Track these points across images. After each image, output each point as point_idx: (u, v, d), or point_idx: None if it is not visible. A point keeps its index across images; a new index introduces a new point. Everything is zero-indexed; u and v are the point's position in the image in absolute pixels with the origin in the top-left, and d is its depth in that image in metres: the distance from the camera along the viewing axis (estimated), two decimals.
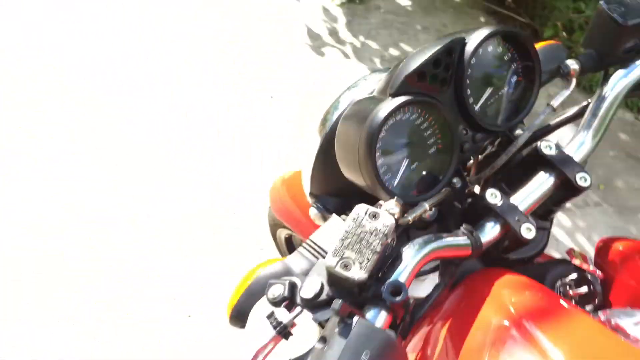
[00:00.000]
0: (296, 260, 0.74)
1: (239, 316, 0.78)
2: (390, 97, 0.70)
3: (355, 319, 0.57)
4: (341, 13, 3.12)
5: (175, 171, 2.25)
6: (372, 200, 0.68)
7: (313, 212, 0.90)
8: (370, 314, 0.59)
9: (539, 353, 0.58)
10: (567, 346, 0.58)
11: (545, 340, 0.59)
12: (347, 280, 0.58)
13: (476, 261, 0.79)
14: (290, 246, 1.72)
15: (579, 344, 0.60)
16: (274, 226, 1.65)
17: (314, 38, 2.94)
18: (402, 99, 0.69)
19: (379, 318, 0.59)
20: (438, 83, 0.72)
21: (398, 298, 0.58)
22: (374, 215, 0.61)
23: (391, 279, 0.60)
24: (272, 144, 2.38)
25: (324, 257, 0.68)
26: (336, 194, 0.89)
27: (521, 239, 0.70)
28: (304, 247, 0.76)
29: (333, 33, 3.00)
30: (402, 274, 0.62)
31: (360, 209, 0.61)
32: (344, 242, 0.59)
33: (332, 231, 0.78)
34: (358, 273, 0.58)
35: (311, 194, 0.92)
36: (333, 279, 0.61)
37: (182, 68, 2.68)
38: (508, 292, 0.67)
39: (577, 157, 0.76)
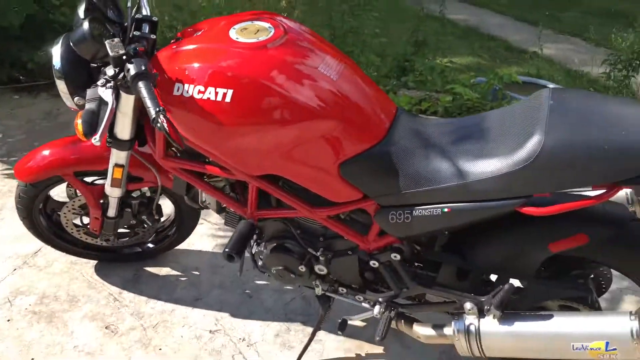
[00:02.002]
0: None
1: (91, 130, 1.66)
2: (83, 20, 1.73)
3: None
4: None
5: None
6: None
7: (76, 99, 1.75)
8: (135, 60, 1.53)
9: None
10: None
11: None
12: (121, 56, 1.54)
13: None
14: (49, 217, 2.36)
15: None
16: (29, 200, 2.19)
17: None
18: (89, 17, 1.70)
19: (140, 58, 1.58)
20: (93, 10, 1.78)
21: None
22: (112, 40, 1.59)
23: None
24: None
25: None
26: (82, 86, 1.74)
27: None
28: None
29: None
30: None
31: (109, 41, 1.60)
32: (111, 50, 1.61)
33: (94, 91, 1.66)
34: (121, 51, 1.55)
35: (71, 94, 1.76)
36: (115, 62, 1.54)
37: None
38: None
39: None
